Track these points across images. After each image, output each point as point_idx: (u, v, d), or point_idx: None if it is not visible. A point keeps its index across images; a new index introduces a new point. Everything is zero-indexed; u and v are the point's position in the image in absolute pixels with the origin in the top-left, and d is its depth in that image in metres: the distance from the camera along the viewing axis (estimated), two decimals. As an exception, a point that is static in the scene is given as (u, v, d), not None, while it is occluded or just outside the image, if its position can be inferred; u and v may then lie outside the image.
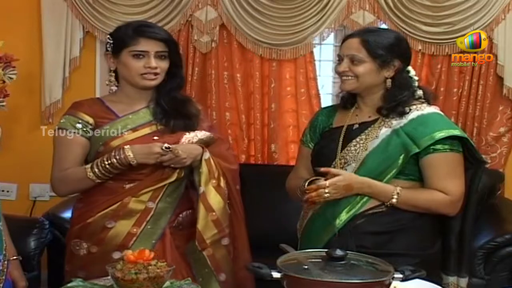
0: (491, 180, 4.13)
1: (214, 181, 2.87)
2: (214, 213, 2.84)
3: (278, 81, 4.75)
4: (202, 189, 2.84)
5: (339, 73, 2.80)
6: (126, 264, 2.14)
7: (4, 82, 3.95)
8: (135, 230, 2.81)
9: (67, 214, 4.11)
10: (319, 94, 4.77)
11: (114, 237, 2.80)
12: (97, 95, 4.71)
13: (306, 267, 2.02)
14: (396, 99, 2.73)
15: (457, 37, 4.42)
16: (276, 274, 2.00)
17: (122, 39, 2.86)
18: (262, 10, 4.60)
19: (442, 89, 4.54)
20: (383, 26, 4.55)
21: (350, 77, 2.75)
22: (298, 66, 4.74)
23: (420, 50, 4.52)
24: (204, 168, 2.84)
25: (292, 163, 4.77)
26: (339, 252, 2.06)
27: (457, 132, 2.71)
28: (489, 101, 4.55)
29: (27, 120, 4.79)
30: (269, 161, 4.81)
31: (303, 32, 4.62)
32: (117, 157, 2.75)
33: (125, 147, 2.76)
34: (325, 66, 4.95)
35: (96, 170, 2.77)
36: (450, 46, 4.49)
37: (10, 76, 3.95)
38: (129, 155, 2.73)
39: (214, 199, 2.85)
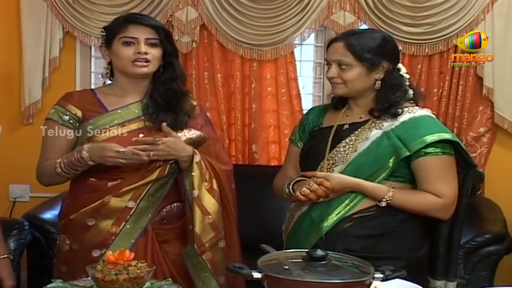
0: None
1: (206, 184, 2.84)
2: (210, 216, 2.82)
3: (258, 82, 4.76)
4: (196, 192, 2.81)
5: (329, 79, 2.75)
6: (106, 265, 2.13)
7: (-18, 82, 3.94)
8: (114, 229, 2.78)
9: (47, 215, 4.10)
10: (300, 94, 4.78)
11: (94, 235, 2.78)
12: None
13: (286, 267, 2.01)
14: (388, 100, 2.69)
15: (437, 37, 4.47)
16: (257, 275, 1.99)
17: (113, 29, 2.85)
18: (242, 10, 4.61)
19: (422, 89, 4.51)
20: (364, 26, 4.57)
21: (339, 83, 2.71)
22: (278, 67, 4.74)
23: (400, 50, 4.49)
24: (196, 172, 2.81)
25: (273, 163, 4.81)
26: (319, 252, 2.05)
27: (448, 136, 2.66)
28: (469, 101, 4.57)
29: (6, 121, 4.75)
30: (250, 162, 4.81)
31: (284, 33, 4.63)
32: (76, 155, 2.72)
33: (84, 146, 2.74)
34: (305, 66, 4.96)
35: (62, 165, 2.75)
36: (430, 46, 4.52)
37: (-11, 76, 3.94)
38: (85, 155, 2.70)
39: (209, 201, 2.84)
